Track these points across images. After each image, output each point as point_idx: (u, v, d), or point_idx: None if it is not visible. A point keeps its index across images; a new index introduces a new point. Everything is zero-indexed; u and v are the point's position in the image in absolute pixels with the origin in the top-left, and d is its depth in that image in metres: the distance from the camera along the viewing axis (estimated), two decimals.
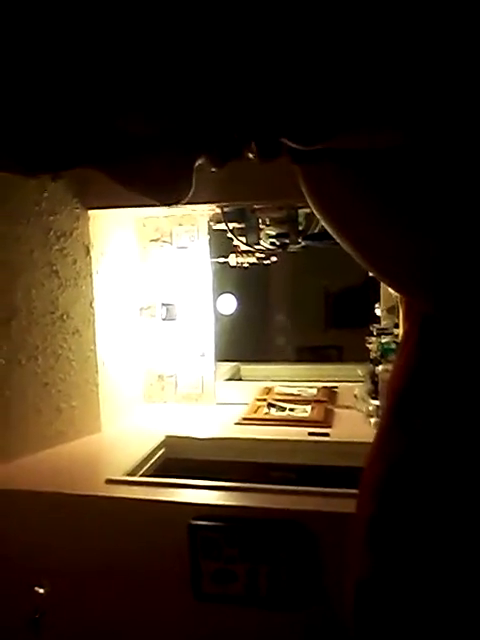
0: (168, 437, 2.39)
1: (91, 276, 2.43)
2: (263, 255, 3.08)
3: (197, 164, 0.36)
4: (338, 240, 0.50)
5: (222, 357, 3.20)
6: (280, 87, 0.32)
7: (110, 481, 1.92)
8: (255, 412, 2.67)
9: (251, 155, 0.36)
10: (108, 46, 0.28)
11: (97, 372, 2.46)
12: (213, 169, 0.37)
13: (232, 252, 3.06)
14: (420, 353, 0.54)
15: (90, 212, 2.42)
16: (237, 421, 2.56)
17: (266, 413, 2.67)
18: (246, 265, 3.13)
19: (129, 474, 2.03)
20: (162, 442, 2.36)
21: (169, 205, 0.38)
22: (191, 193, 0.38)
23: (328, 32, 0.31)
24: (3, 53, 0.27)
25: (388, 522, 0.51)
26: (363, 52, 0.32)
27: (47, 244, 2.24)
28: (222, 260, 3.05)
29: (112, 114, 0.30)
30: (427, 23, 0.31)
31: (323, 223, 0.51)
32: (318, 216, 0.51)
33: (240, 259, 3.09)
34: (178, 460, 2.36)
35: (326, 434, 2.36)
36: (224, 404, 2.91)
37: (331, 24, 0.31)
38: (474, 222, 0.42)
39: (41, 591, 1.78)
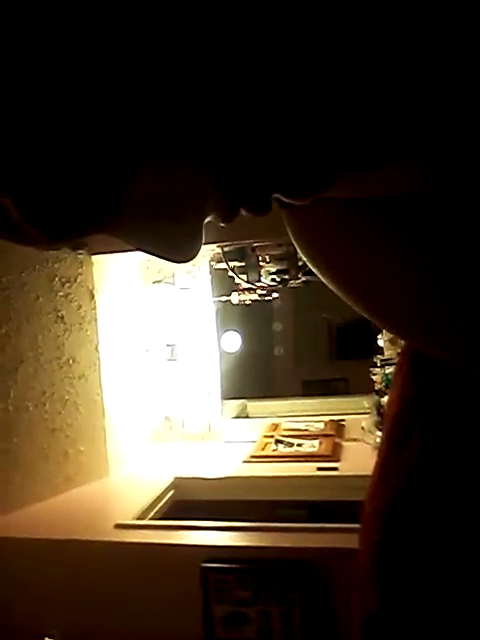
0: (177, 479, 2.38)
1: (96, 320, 2.46)
2: (265, 292, 3.11)
3: (206, 221, 0.37)
4: (325, 280, 0.49)
5: (228, 395, 3.20)
6: (271, 142, 0.33)
7: (119, 526, 1.90)
8: (263, 449, 2.66)
9: (244, 211, 0.37)
10: (118, 106, 0.29)
11: (104, 416, 2.46)
12: (222, 224, 0.38)
13: (234, 290, 3.09)
14: (412, 383, 0.55)
15: (93, 257, 2.46)
16: (245, 459, 2.55)
17: (274, 450, 2.66)
18: (248, 302, 3.16)
19: (138, 518, 2.01)
20: (171, 484, 2.34)
21: (181, 263, 0.38)
22: (200, 249, 0.38)
23: (318, 82, 0.32)
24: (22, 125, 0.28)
25: (393, 554, 0.52)
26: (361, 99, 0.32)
27: (52, 290, 2.28)
28: (224, 298, 3.09)
29: (124, 173, 0.31)
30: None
31: (312, 267, 0.50)
32: (305, 259, 0.50)
33: (242, 296, 3.12)
34: (188, 502, 2.34)
35: (335, 468, 2.34)
36: (232, 442, 2.90)
37: (323, 74, 0.31)
38: None
39: None
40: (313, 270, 0.50)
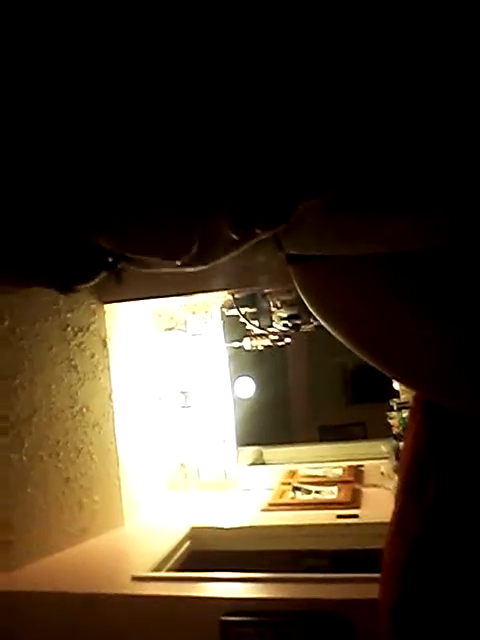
0: (193, 529, 2.33)
1: (109, 368, 2.46)
2: (277, 337, 3.11)
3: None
4: (334, 332, 0.49)
5: (243, 442, 3.17)
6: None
7: (136, 578, 1.86)
8: (281, 497, 2.61)
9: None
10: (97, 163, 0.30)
11: (118, 465, 2.44)
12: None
13: (246, 336, 3.09)
14: (425, 429, 0.54)
15: (106, 306, 2.49)
16: (263, 508, 2.50)
17: (292, 497, 2.61)
18: (261, 348, 3.16)
19: (155, 569, 1.97)
20: (187, 534, 2.29)
21: (182, 264, 0.37)
22: (196, 249, 0.37)
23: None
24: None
25: (413, 603, 0.50)
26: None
27: (65, 340, 2.29)
28: (237, 344, 3.08)
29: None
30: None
31: (320, 319, 0.49)
32: (313, 311, 0.49)
33: (254, 342, 3.12)
34: (205, 552, 2.29)
35: (355, 516, 2.29)
36: (248, 490, 2.86)
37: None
38: None
39: None
40: (321, 322, 0.49)
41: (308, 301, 0.49)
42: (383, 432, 2.89)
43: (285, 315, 2.96)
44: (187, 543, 2.27)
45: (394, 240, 0.39)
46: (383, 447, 2.81)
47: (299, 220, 0.36)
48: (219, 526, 2.36)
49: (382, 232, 0.37)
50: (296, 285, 0.49)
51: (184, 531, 2.30)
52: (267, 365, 4.14)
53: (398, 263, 0.41)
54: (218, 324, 2.97)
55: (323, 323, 0.49)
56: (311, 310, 0.49)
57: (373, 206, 0.35)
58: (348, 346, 0.49)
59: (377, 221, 0.36)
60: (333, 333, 0.49)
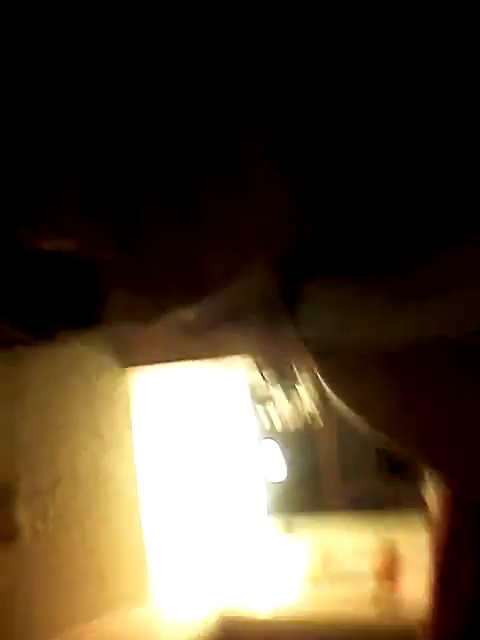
0: (222, 615, 2.22)
1: (133, 435, 2.44)
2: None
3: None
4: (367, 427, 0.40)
5: (273, 510, 3.09)
6: None
7: None
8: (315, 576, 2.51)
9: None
10: None
11: (143, 535, 2.37)
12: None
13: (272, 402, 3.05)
14: (458, 506, 0.49)
15: (132, 371, 2.48)
16: (299, 586, 2.40)
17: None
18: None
19: None
20: (217, 621, 2.19)
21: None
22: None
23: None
24: None
25: None
26: None
27: (90, 407, 2.29)
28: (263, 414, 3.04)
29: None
30: None
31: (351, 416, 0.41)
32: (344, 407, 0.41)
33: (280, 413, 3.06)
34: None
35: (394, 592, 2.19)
36: (279, 561, 2.75)
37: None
38: None
39: None
40: (351, 418, 0.40)
41: (335, 393, 0.40)
42: (417, 504, 2.79)
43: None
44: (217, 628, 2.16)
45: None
46: (419, 520, 2.69)
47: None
48: (252, 612, 2.26)
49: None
50: (319, 376, 0.40)
51: (213, 615, 2.20)
52: (295, 437, 4.08)
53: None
54: (245, 388, 2.94)
55: (355, 419, 0.40)
56: (339, 402, 0.40)
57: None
58: (391, 443, 0.41)
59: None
60: (369, 428, 0.40)
